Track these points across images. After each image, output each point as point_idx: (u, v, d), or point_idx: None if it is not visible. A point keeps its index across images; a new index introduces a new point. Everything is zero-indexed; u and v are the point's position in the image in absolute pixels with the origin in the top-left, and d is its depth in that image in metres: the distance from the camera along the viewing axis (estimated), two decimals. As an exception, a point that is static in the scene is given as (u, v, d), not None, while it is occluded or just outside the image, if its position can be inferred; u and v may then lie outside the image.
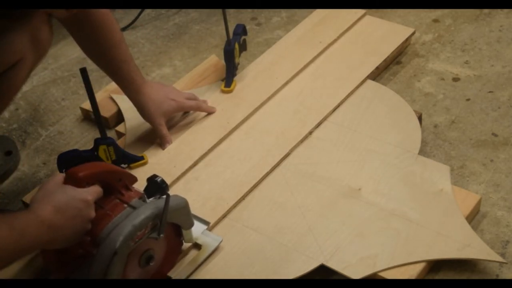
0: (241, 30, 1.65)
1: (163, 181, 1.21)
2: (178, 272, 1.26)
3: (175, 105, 1.52)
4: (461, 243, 1.27)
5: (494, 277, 1.27)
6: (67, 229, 1.10)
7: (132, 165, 1.46)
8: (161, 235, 1.17)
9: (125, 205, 1.18)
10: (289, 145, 1.49)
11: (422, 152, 1.48)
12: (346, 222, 1.33)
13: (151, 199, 1.21)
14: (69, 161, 1.35)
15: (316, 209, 1.36)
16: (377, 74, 1.72)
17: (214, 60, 1.79)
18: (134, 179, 1.22)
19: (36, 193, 1.13)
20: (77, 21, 1.37)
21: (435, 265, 1.29)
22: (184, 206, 1.22)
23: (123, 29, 2.00)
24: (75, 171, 1.15)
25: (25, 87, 1.81)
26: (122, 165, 1.43)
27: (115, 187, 1.19)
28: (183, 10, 2.08)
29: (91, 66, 1.47)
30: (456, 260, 1.27)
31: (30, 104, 1.78)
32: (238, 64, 1.68)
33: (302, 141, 1.51)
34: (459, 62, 1.77)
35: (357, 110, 1.57)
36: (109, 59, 1.44)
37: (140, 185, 1.23)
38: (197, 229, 1.29)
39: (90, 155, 1.39)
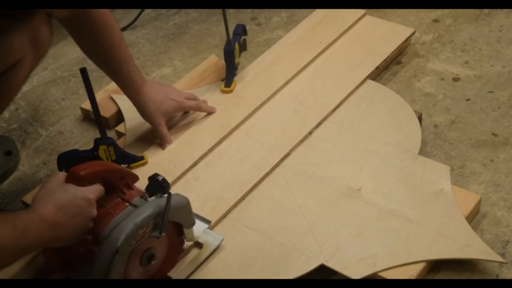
0: (241, 30, 1.65)
1: (164, 180, 1.22)
2: (179, 271, 1.26)
3: (175, 105, 1.52)
4: (461, 243, 1.27)
5: (494, 277, 1.27)
6: (68, 227, 1.11)
7: (132, 165, 1.46)
8: (163, 234, 1.17)
9: (127, 204, 1.18)
10: (289, 145, 1.49)
11: (422, 152, 1.48)
12: (346, 222, 1.33)
13: (152, 198, 1.21)
14: (69, 161, 1.35)
15: (316, 209, 1.36)
16: (377, 74, 1.72)
17: (214, 60, 1.79)
18: (136, 178, 1.23)
19: (38, 191, 1.13)
20: (77, 21, 1.37)
21: (435, 265, 1.29)
22: (185, 205, 1.22)
23: (123, 29, 2.00)
24: (77, 169, 1.15)
25: (25, 87, 1.81)
26: (122, 165, 1.43)
27: (116, 186, 1.19)
28: (183, 10, 2.08)
29: (91, 66, 1.47)
30: (456, 260, 1.27)
31: (30, 104, 1.78)
32: (238, 64, 1.68)
33: (302, 141, 1.51)
34: (459, 62, 1.77)
35: (357, 110, 1.57)
36: (109, 59, 1.44)
37: (140, 186, 1.23)
38: (199, 228, 1.30)
39: (90, 155, 1.39)
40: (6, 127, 1.71)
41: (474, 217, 1.37)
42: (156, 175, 1.22)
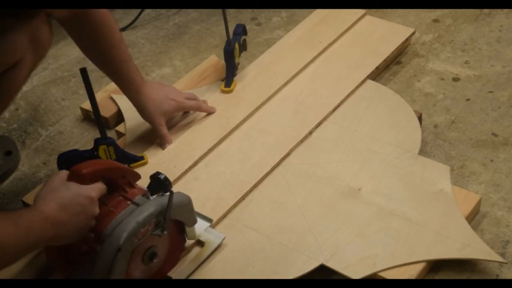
0: (241, 30, 1.65)
1: (166, 178, 1.22)
2: (181, 269, 1.26)
3: (175, 105, 1.52)
4: (461, 243, 1.27)
5: (494, 277, 1.27)
6: (71, 225, 1.11)
7: (132, 165, 1.46)
8: (165, 232, 1.17)
9: (129, 202, 1.19)
10: (289, 145, 1.49)
11: (422, 152, 1.48)
12: (346, 222, 1.33)
13: (154, 196, 1.21)
14: (69, 161, 1.35)
15: (316, 209, 1.36)
16: (377, 74, 1.72)
17: (214, 60, 1.79)
18: (138, 176, 1.23)
19: (40, 190, 1.13)
20: (76, 21, 1.37)
21: (435, 265, 1.29)
22: (187, 203, 1.23)
23: (123, 29, 2.00)
24: (79, 168, 1.15)
25: (25, 87, 1.81)
26: (122, 165, 1.43)
27: (118, 184, 1.20)
28: (183, 10, 2.08)
29: (91, 66, 1.47)
30: (456, 260, 1.27)
31: (30, 104, 1.78)
32: (238, 64, 1.68)
33: (302, 141, 1.51)
34: (459, 62, 1.77)
35: (357, 110, 1.57)
36: (108, 59, 1.44)
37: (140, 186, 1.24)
38: (200, 227, 1.30)
39: (90, 155, 1.39)
40: (6, 127, 1.71)
41: (474, 217, 1.37)
42: (158, 173, 1.22)
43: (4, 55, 1.16)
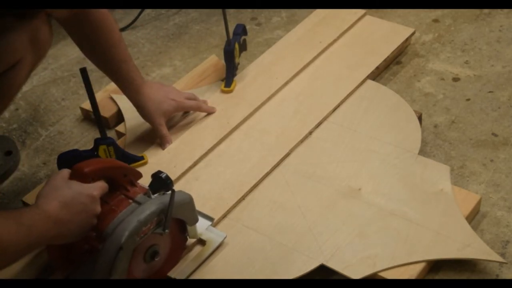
0: (241, 30, 1.65)
1: (167, 177, 1.22)
2: (182, 268, 1.26)
3: (175, 105, 1.52)
4: (461, 243, 1.27)
5: (494, 277, 1.27)
6: (73, 224, 1.11)
7: (132, 165, 1.46)
8: (166, 231, 1.17)
9: (130, 201, 1.19)
10: (289, 145, 1.49)
11: (422, 152, 1.48)
12: (346, 222, 1.33)
13: (155, 195, 1.22)
14: (69, 161, 1.35)
15: (316, 209, 1.36)
16: (377, 74, 1.72)
17: (214, 60, 1.79)
18: (139, 175, 1.24)
19: (42, 188, 1.14)
20: (76, 22, 1.37)
21: (435, 265, 1.29)
22: (189, 202, 1.23)
23: (123, 29, 2.00)
24: (81, 166, 1.16)
25: (25, 87, 1.81)
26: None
27: (120, 183, 1.20)
28: (183, 10, 2.08)
29: (91, 66, 1.47)
30: (456, 260, 1.27)
31: (30, 104, 1.78)
32: (238, 64, 1.68)
33: (302, 141, 1.51)
34: (459, 62, 1.77)
35: (357, 110, 1.57)
36: (108, 59, 1.44)
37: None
38: (201, 225, 1.30)
39: (90, 155, 1.39)
40: (6, 127, 1.71)
41: (474, 217, 1.37)
42: (159, 172, 1.22)
43: (4, 55, 1.16)
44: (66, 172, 1.16)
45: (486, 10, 1.93)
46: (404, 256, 1.26)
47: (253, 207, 1.38)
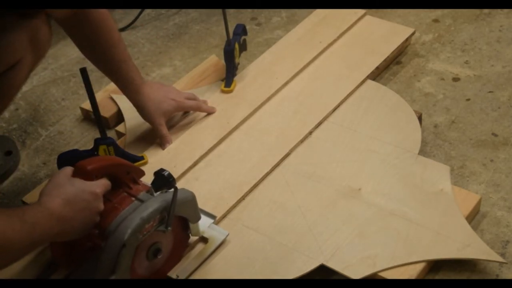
0: (241, 30, 1.65)
1: (170, 175, 1.22)
2: (185, 266, 1.27)
3: (175, 105, 1.52)
4: (461, 243, 1.27)
5: (494, 277, 1.27)
6: (76, 221, 1.11)
7: (132, 165, 1.46)
8: (169, 228, 1.18)
9: (133, 198, 1.19)
10: (289, 145, 1.49)
11: (422, 152, 1.48)
12: (346, 222, 1.33)
13: (158, 193, 1.22)
14: (69, 161, 1.35)
15: (316, 209, 1.36)
16: (377, 74, 1.72)
17: (214, 60, 1.79)
18: (142, 173, 1.24)
19: (45, 186, 1.14)
20: (76, 22, 1.37)
21: (435, 265, 1.29)
22: (191, 200, 1.23)
23: (123, 29, 2.00)
24: (84, 164, 1.16)
25: (25, 87, 1.81)
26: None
27: (123, 181, 1.20)
28: (183, 10, 2.08)
29: (91, 66, 1.47)
30: (456, 260, 1.27)
31: (30, 104, 1.78)
32: (238, 64, 1.68)
33: (302, 141, 1.51)
34: (459, 62, 1.77)
35: (357, 110, 1.57)
36: (108, 59, 1.44)
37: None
38: (204, 223, 1.30)
39: (90, 155, 1.39)
40: (6, 127, 1.71)
41: (474, 217, 1.37)
42: (162, 170, 1.23)
43: (4, 55, 1.16)
44: (69, 169, 1.16)
45: (486, 10, 1.93)
46: (404, 256, 1.26)
47: (253, 207, 1.38)
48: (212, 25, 2.01)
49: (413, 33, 1.80)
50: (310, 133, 1.53)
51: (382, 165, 1.44)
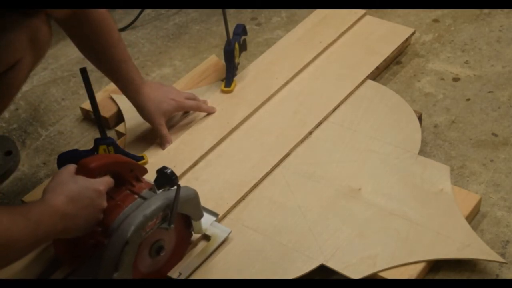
0: (241, 30, 1.65)
1: (172, 173, 1.23)
2: (187, 263, 1.27)
3: (175, 105, 1.52)
4: (461, 243, 1.27)
5: (494, 277, 1.27)
6: (79, 218, 1.12)
7: (132, 165, 1.46)
8: (172, 226, 1.18)
9: (136, 196, 1.20)
10: (289, 145, 1.49)
11: (422, 152, 1.48)
12: (346, 222, 1.33)
13: (160, 190, 1.22)
14: (69, 161, 1.35)
15: (316, 209, 1.36)
16: (377, 74, 1.72)
17: (214, 60, 1.79)
18: (145, 171, 1.24)
19: (48, 183, 1.14)
20: (75, 22, 1.37)
21: (435, 265, 1.29)
22: (194, 197, 1.23)
23: (123, 29, 2.00)
24: (87, 161, 1.17)
25: (25, 87, 1.81)
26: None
27: (126, 178, 1.21)
28: (183, 10, 2.08)
29: (91, 66, 1.47)
30: (456, 260, 1.27)
31: (30, 104, 1.78)
32: (238, 64, 1.68)
33: (302, 141, 1.51)
34: (459, 62, 1.77)
35: (357, 110, 1.57)
36: (108, 59, 1.44)
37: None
38: (206, 221, 1.31)
39: (90, 155, 1.39)
40: (6, 127, 1.71)
41: (474, 217, 1.37)
42: (164, 168, 1.23)
43: (3, 55, 1.16)
44: (72, 167, 1.17)
45: (486, 10, 1.93)
46: (404, 256, 1.26)
47: (253, 207, 1.38)
48: (212, 25, 2.01)
49: (413, 33, 1.80)
50: (310, 133, 1.53)
51: (382, 165, 1.44)
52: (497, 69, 1.74)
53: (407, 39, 1.79)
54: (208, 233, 1.31)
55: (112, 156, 1.26)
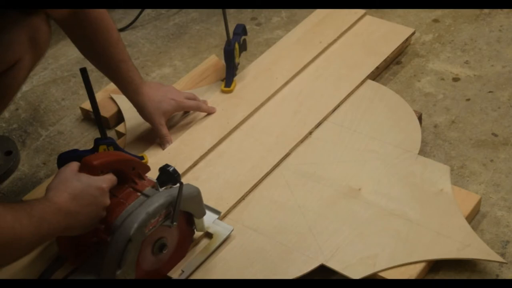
0: (241, 30, 1.65)
1: (175, 171, 1.23)
2: (190, 261, 1.27)
3: (175, 105, 1.52)
4: (461, 243, 1.27)
5: (494, 277, 1.27)
6: (82, 216, 1.12)
7: (132, 165, 1.46)
8: (175, 223, 1.18)
9: (139, 194, 1.20)
10: (289, 145, 1.49)
11: (422, 152, 1.48)
12: (346, 222, 1.33)
13: (162, 188, 1.22)
14: (69, 161, 1.35)
15: (316, 209, 1.36)
16: (377, 74, 1.72)
17: (214, 60, 1.79)
18: (147, 169, 1.25)
19: (52, 181, 1.14)
20: (75, 22, 1.37)
21: (435, 265, 1.29)
22: (196, 195, 1.24)
23: (123, 29, 2.00)
24: (90, 159, 1.17)
25: (25, 87, 1.81)
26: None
27: (128, 176, 1.21)
28: (183, 10, 2.08)
29: (91, 66, 1.47)
30: (456, 260, 1.27)
31: (30, 104, 1.78)
32: (238, 64, 1.68)
33: (302, 141, 1.51)
34: (459, 62, 1.77)
35: (357, 110, 1.57)
36: (107, 59, 1.44)
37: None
38: (208, 219, 1.31)
39: (90, 155, 1.39)
40: (6, 127, 1.71)
41: (474, 217, 1.37)
42: (167, 166, 1.23)
43: (3, 55, 1.16)
44: (75, 164, 1.17)
45: (486, 10, 1.93)
46: (404, 256, 1.26)
47: (253, 207, 1.38)
48: (212, 25, 2.01)
49: (413, 33, 1.80)
50: (310, 133, 1.53)
51: (382, 165, 1.44)
52: (497, 69, 1.74)
53: (407, 39, 1.79)
54: (210, 231, 1.31)
55: (115, 154, 1.26)
